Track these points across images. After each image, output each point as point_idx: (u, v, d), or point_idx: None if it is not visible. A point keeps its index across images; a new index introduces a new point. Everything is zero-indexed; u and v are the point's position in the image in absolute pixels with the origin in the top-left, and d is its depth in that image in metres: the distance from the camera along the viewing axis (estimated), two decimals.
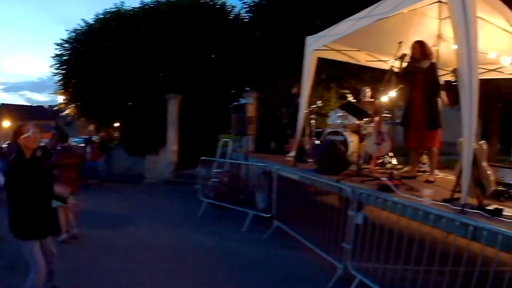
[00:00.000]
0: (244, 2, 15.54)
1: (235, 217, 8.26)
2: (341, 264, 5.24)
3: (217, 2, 17.08)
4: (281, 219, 7.18)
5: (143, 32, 15.68)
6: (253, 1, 15.14)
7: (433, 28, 6.83)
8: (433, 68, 6.07)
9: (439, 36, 6.96)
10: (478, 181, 4.51)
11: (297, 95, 8.43)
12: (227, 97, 16.28)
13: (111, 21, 16.89)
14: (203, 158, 9.49)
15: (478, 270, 3.59)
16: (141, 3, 17.28)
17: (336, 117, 8.53)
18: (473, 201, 4.36)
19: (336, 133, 8.10)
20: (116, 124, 20.66)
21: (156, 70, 15.96)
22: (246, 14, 16.28)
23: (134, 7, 17.55)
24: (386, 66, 6.91)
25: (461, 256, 3.75)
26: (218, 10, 16.81)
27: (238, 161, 9.11)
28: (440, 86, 6.23)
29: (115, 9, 17.77)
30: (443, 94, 6.31)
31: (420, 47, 6.12)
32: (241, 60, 15.58)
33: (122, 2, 18.00)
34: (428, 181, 6.09)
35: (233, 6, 17.20)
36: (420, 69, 6.07)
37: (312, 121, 8.85)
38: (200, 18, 15.64)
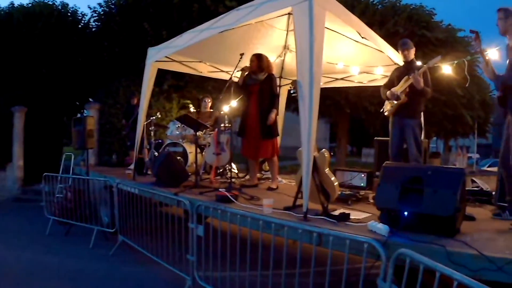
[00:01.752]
0: (94, 11, 13.49)
1: (82, 233, 6.86)
2: (189, 276, 4.42)
3: (69, 10, 14.63)
4: (126, 233, 6.02)
5: None
6: (103, 10, 13.15)
7: (281, 39, 6.23)
8: (270, 80, 5.49)
9: (286, 47, 6.42)
10: (322, 188, 3.92)
11: (137, 105, 7.40)
12: (72, 108, 14.13)
13: None
14: (46, 173, 7.80)
15: (330, 269, 2.99)
16: None
17: (175, 128, 7.64)
18: (318, 207, 3.76)
19: (175, 144, 7.26)
20: None
21: (3, 80, 13.20)
22: (94, 23, 14.15)
23: None
24: (228, 77, 6.18)
25: (310, 258, 3.15)
26: (68, 18, 14.42)
27: (80, 176, 7.65)
28: (277, 97, 5.69)
29: None
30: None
31: (257, 60, 5.48)
32: (86, 70, 13.51)
33: None
34: (270, 189, 5.49)
35: (83, 15, 14.79)
36: (256, 81, 5.48)
37: (152, 133, 7.74)
38: (50, 26, 13.26)
